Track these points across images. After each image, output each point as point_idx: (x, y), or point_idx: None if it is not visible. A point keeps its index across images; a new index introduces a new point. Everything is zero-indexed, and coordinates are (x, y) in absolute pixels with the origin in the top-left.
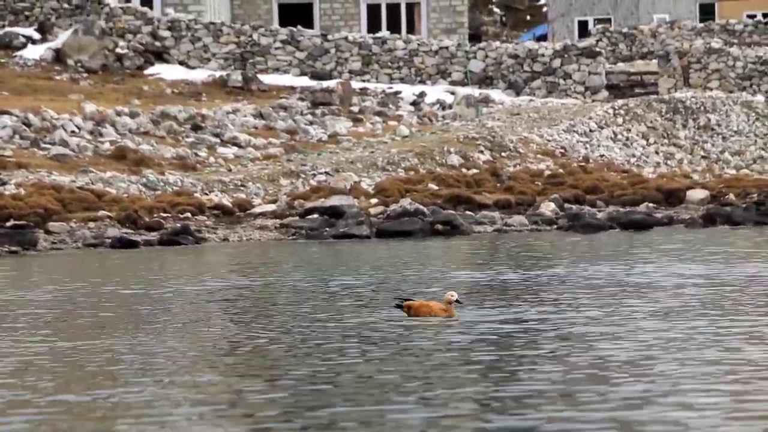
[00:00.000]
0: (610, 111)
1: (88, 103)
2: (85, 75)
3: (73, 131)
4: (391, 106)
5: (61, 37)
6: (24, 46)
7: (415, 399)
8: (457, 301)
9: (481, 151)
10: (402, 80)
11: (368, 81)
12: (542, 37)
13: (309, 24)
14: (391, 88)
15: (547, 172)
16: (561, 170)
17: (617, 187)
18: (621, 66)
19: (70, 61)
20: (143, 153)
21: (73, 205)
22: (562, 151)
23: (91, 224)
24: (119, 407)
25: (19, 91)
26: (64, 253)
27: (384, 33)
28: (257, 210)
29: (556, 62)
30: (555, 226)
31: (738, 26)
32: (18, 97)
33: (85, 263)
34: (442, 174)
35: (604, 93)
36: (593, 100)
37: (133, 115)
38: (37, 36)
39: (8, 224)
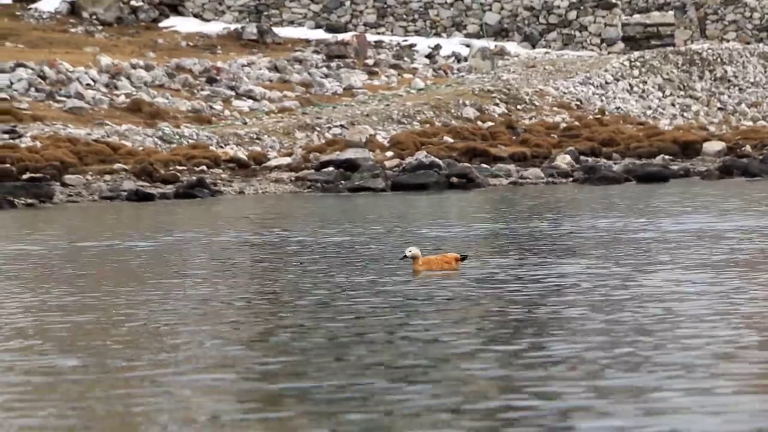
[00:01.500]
0: (626, 63)
1: (104, 55)
2: (100, 28)
3: (88, 84)
4: (406, 58)
5: None
6: None
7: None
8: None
9: (497, 104)
10: (417, 33)
11: (383, 34)
12: None
13: None
14: (406, 40)
15: (563, 125)
16: (577, 123)
17: (633, 140)
18: (637, 17)
19: (85, 14)
20: (158, 106)
21: (89, 157)
22: (578, 103)
23: (107, 177)
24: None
25: (35, 44)
26: (81, 205)
27: None
28: (273, 163)
29: (572, 14)
30: (570, 179)
31: None
32: (33, 50)
33: (104, 215)
34: (458, 127)
35: (620, 45)
36: (609, 52)
37: (148, 68)
38: None
39: (25, 177)
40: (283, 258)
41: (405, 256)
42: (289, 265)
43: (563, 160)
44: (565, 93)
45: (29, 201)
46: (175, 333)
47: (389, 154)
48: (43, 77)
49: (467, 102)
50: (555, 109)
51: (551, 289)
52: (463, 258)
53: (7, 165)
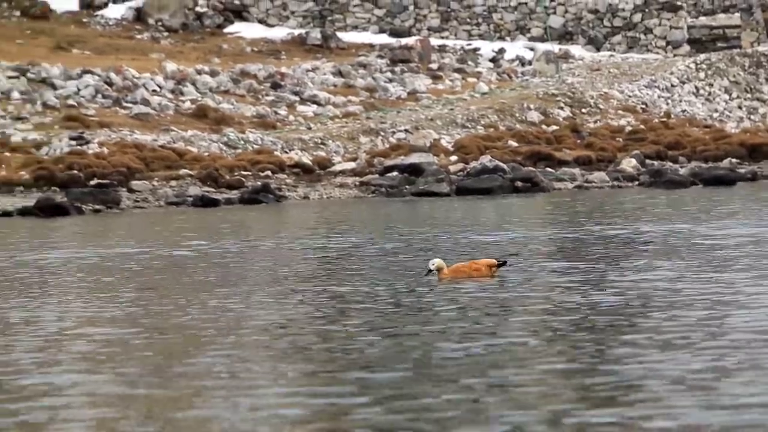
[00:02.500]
0: (692, 65)
1: (169, 62)
2: (165, 34)
3: (154, 90)
4: (470, 62)
5: None
6: (105, 5)
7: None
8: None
9: (561, 108)
10: (481, 36)
11: (447, 38)
12: None
13: None
14: (470, 44)
15: (628, 128)
16: (642, 126)
17: (699, 143)
18: (703, 20)
19: (151, 21)
20: (223, 111)
21: (155, 163)
22: (643, 106)
23: (173, 183)
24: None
25: (101, 50)
26: (147, 211)
27: None
28: (337, 168)
29: (637, 17)
30: (636, 183)
31: None
32: (100, 57)
33: (171, 221)
34: (522, 131)
35: (686, 47)
36: (674, 55)
37: (213, 74)
38: None
39: (92, 183)
40: (344, 263)
41: (430, 270)
42: (353, 269)
43: (629, 164)
44: (630, 96)
45: (96, 207)
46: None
47: (453, 158)
48: (110, 84)
49: (531, 106)
50: (620, 112)
51: (640, 296)
52: (501, 264)
53: (75, 171)
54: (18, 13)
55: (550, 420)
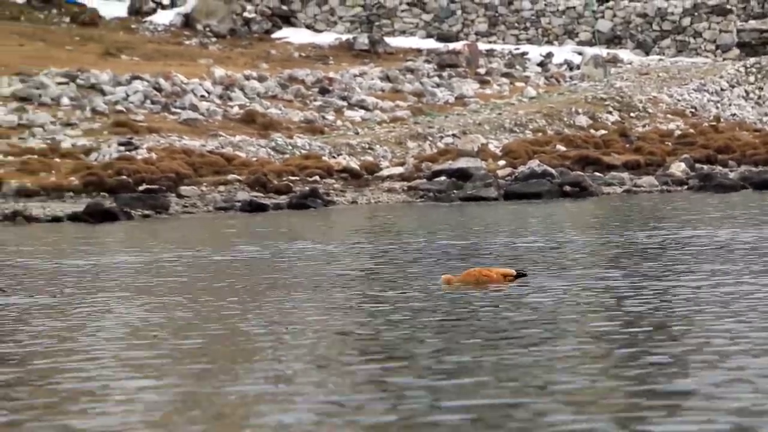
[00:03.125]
0: (742, 69)
1: (217, 67)
2: (213, 40)
3: (202, 96)
4: (518, 67)
5: (190, 2)
6: (154, 11)
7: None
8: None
9: (610, 112)
10: (529, 41)
11: (495, 42)
12: None
13: None
14: (518, 49)
15: (677, 132)
16: (691, 130)
17: (749, 147)
18: (753, 23)
19: (199, 26)
20: (272, 117)
21: (204, 169)
22: (693, 110)
23: (221, 188)
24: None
25: (150, 56)
26: (195, 216)
27: None
28: (385, 173)
29: (686, 20)
30: (686, 187)
31: None
32: (148, 63)
33: (220, 226)
34: (570, 135)
35: (736, 51)
36: (724, 59)
37: (261, 79)
38: (166, 1)
39: (141, 188)
40: (396, 265)
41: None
42: (400, 274)
43: (678, 168)
44: (679, 100)
45: (145, 212)
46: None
47: (501, 163)
48: (159, 89)
49: (580, 110)
50: (669, 116)
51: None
52: (521, 275)
53: (124, 177)
54: (67, 20)
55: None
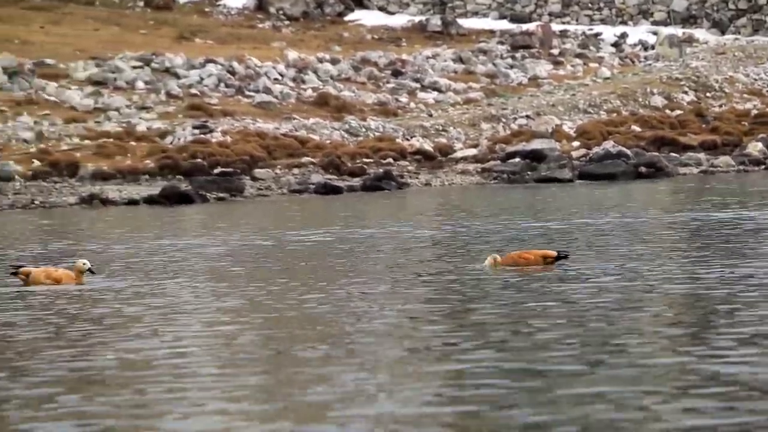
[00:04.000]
0: None
1: (290, 50)
2: (286, 22)
3: (276, 78)
4: (591, 47)
5: None
6: None
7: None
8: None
9: (685, 92)
10: (603, 21)
11: (568, 23)
12: None
13: None
14: (591, 29)
15: (754, 112)
16: None
17: None
18: None
19: (272, 9)
20: (345, 99)
21: (278, 151)
22: None
23: (296, 170)
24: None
25: (223, 39)
26: (270, 199)
27: None
28: (458, 154)
29: None
30: (763, 167)
31: None
32: (222, 46)
33: (297, 208)
34: (645, 115)
35: None
36: None
37: (334, 62)
38: None
39: (216, 171)
40: (466, 250)
41: (486, 266)
42: (475, 256)
43: (755, 148)
44: (756, 79)
45: (220, 195)
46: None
47: (576, 144)
48: (232, 73)
49: (655, 90)
50: (745, 95)
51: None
52: (562, 257)
53: (199, 160)
54: (142, 4)
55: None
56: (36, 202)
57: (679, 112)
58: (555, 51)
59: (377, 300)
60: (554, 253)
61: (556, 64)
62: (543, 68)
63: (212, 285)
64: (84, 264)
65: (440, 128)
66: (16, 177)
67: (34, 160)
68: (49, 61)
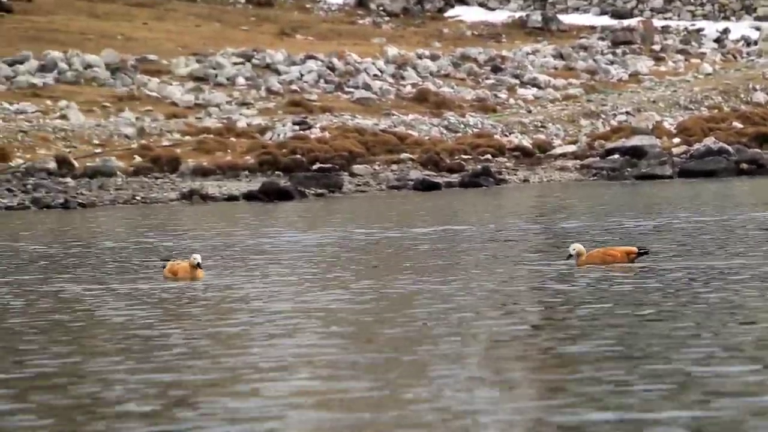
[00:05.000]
0: None
1: (390, 46)
2: (386, 18)
3: (375, 75)
4: (693, 43)
5: None
6: None
7: None
8: (198, 265)
9: None
10: (705, 17)
11: (670, 18)
12: None
13: None
14: (693, 25)
15: None
16: None
17: None
18: None
19: (372, 5)
20: (444, 95)
21: (377, 147)
22: None
23: (394, 166)
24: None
25: (324, 36)
26: (368, 195)
27: None
28: (557, 151)
29: None
30: None
31: None
32: (322, 42)
33: (400, 204)
34: (747, 112)
35: None
36: None
37: (433, 58)
38: None
39: (314, 167)
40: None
41: (570, 255)
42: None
43: None
44: None
45: (319, 191)
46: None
47: (676, 140)
48: (332, 69)
49: (757, 86)
50: None
51: None
52: (643, 253)
53: (298, 156)
54: (243, 0)
55: None
56: (137, 197)
57: None
58: (656, 47)
59: (475, 295)
60: (636, 250)
61: (658, 60)
62: (644, 64)
63: (327, 281)
64: (194, 258)
65: (539, 124)
66: (118, 173)
67: (136, 156)
68: (151, 57)
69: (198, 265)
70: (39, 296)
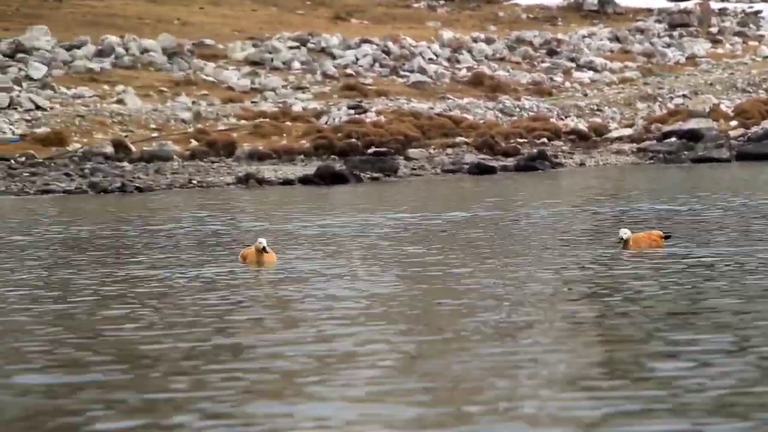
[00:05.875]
0: None
1: (445, 30)
2: (441, 2)
3: (430, 58)
4: (751, 25)
5: None
6: None
7: None
8: (264, 249)
9: None
10: None
11: (727, 0)
12: None
13: None
14: (751, 7)
15: None
16: None
17: None
18: None
19: None
20: (499, 79)
21: (432, 131)
22: None
23: (449, 150)
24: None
25: (379, 19)
26: (423, 178)
27: None
28: (613, 134)
29: None
30: None
31: None
32: (377, 26)
33: (456, 188)
34: None
35: None
36: None
37: (489, 41)
38: None
39: (370, 151)
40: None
41: (621, 239)
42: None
43: None
44: None
45: (374, 175)
46: None
47: (733, 123)
48: (387, 52)
49: None
50: None
51: None
52: (667, 237)
53: (353, 140)
54: None
55: None
56: (193, 181)
57: None
58: (714, 29)
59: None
60: (662, 234)
61: (715, 42)
62: (701, 47)
63: (390, 265)
64: (260, 243)
65: (595, 108)
66: (174, 157)
67: (192, 140)
68: (207, 41)
69: (264, 249)
70: (140, 280)
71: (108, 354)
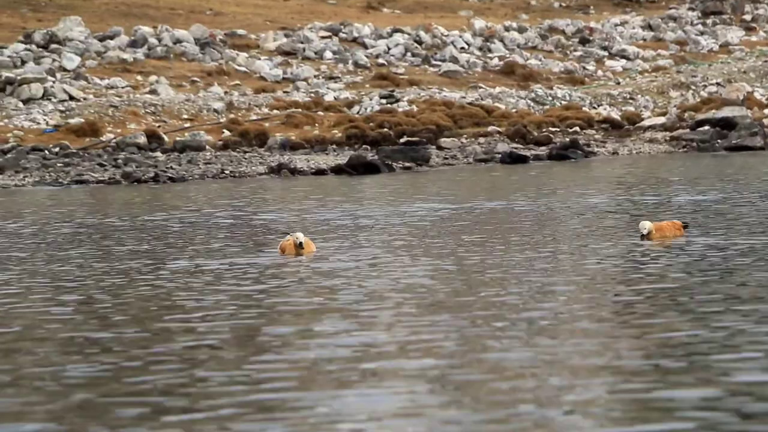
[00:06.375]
0: None
1: (477, 19)
2: None
3: (462, 48)
4: None
5: None
6: None
7: None
8: (301, 244)
9: None
10: None
11: None
12: None
13: None
14: None
15: None
16: None
17: None
18: None
19: None
20: (531, 68)
21: (464, 120)
22: None
23: (481, 139)
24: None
25: (411, 9)
26: (456, 168)
27: None
28: (646, 123)
29: None
30: None
31: None
32: (409, 15)
33: (489, 178)
34: None
35: None
36: None
37: (521, 30)
38: None
39: (402, 141)
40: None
41: (644, 235)
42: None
43: None
44: None
45: (406, 164)
46: None
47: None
48: (419, 42)
49: None
50: None
51: None
52: (685, 226)
53: (385, 129)
54: None
55: None
56: (226, 171)
57: None
58: (747, 17)
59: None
60: (681, 223)
61: (749, 30)
62: (734, 34)
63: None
64: (296, 238)
65: (628, 96)
66: (207, 147)
67: (224, 130)
68: (239, 31)
69: (300, 245)
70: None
71: (159, 342)
